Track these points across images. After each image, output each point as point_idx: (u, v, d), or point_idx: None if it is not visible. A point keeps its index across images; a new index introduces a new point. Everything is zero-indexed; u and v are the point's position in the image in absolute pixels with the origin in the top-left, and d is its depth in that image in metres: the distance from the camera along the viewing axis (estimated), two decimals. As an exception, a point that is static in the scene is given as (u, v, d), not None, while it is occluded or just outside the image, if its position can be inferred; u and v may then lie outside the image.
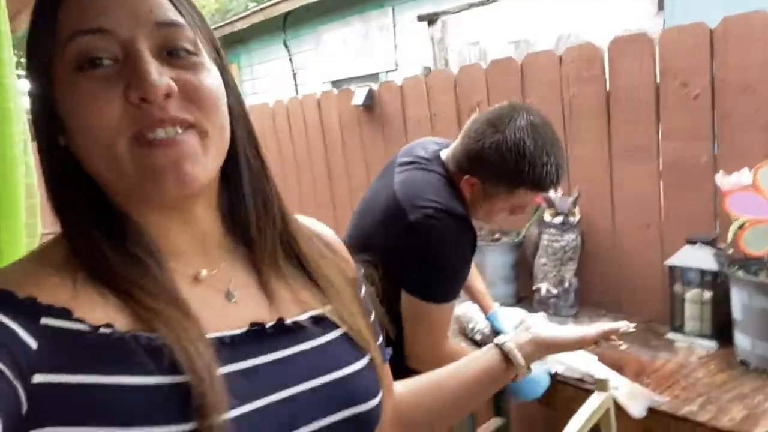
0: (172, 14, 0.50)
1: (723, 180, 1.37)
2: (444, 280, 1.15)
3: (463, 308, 1.70)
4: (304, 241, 0.61)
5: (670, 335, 1.58)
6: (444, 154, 1.28)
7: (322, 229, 0.68)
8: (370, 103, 2.49)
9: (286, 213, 0.60)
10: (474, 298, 1.61)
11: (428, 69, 3.43)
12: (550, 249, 1.80)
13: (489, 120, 1.15)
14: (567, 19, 3.46)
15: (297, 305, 0.57)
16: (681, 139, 1.62)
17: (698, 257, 1.51)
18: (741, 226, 1.31)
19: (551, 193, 1.77)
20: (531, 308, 1.84)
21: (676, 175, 1.64)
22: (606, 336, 0.83)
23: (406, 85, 2.37)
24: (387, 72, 5.19)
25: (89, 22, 0.47)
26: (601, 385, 0.96)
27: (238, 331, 0.52)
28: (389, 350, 0.69)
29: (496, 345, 0.78)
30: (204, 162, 0.50)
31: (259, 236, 0.57)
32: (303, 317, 0.56)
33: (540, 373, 1.31)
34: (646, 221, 1.73)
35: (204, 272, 0.55)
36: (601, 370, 1.39)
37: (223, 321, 0.52)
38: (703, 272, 1.50)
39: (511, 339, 0.80)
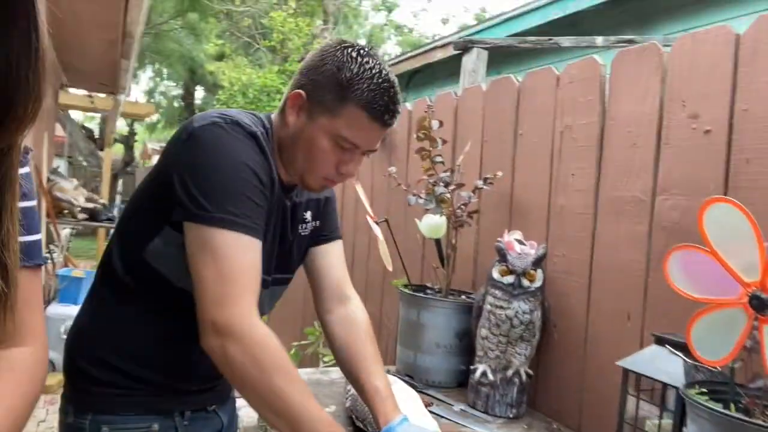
0: None
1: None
2: (215, 188, 0.93)
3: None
4: None
5: (611, 477, 1.03)
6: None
7: None
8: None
9: None
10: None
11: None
12: (492, 318, 1.33)
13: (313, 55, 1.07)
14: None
15: None
16: (683, 192, 1.11)
17: (663, 363, 0.97)
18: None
19: (510, 245, 1.32)
20: (466, 396, 1.37)
21: (672, 241, 1.12)
22: None
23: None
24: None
25: None
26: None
27: None
28: None
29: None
30: None
31: None
32: None
33: None
34: (627, 307, 1.20)
35: None
36: None
37: None
38: (665, 387, 0.96)
39: None
